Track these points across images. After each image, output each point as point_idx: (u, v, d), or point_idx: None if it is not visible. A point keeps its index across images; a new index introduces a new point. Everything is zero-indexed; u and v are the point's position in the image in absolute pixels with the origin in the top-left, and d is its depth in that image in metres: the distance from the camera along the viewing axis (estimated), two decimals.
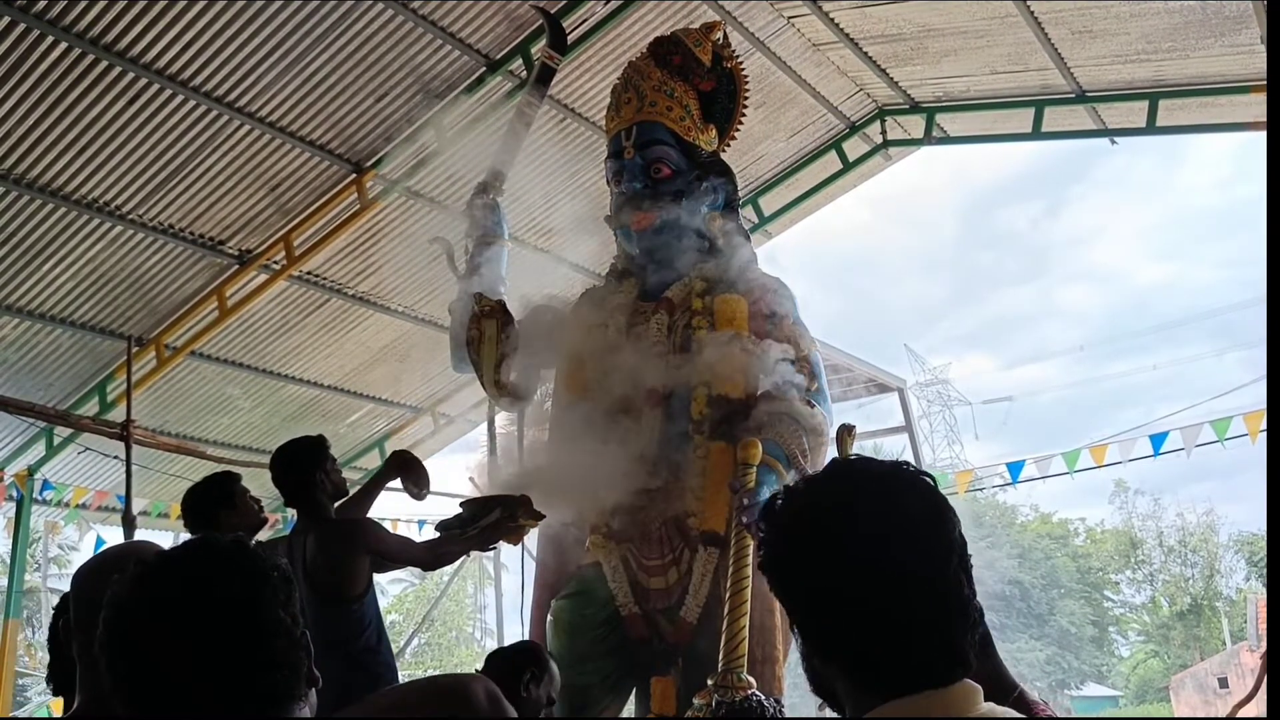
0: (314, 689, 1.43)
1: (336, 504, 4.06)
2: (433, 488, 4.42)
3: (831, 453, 4.14)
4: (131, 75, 7.26)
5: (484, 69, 8.57)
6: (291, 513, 4.69)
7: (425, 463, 4.50)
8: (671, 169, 4.62)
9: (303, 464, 4.07)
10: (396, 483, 4.47)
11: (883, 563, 1.19)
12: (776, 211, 11.63)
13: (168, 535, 11.64)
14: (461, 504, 4.12)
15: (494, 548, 4.46)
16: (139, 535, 7.93)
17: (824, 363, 4.54)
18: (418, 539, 5.52)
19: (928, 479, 1.28)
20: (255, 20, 7.25)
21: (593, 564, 4.29)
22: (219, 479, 4.20)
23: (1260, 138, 9.29)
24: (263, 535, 4.50)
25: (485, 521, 4.05)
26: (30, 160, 7.53)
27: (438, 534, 4.15)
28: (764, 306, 4.43)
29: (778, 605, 4.17)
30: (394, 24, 7.80)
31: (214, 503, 4.05)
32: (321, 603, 3.65)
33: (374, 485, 4.48)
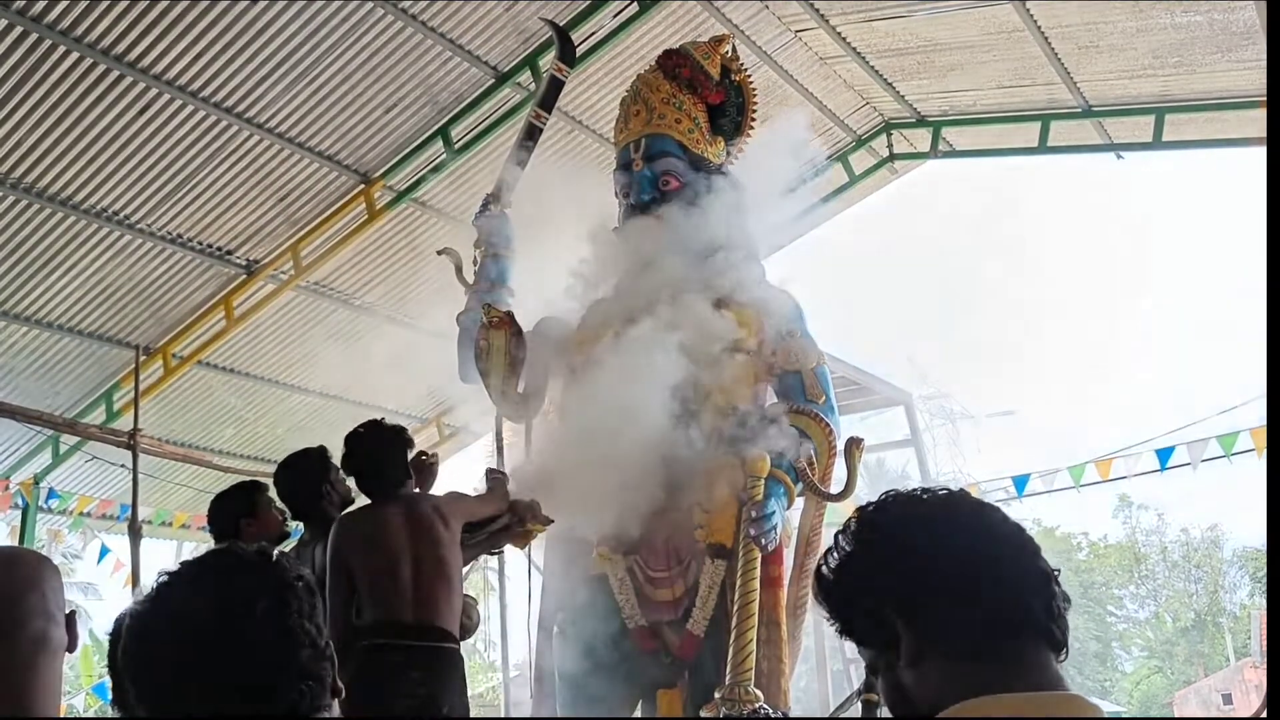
0: (337, 699, 1.42)
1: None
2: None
3: (839, 465, 4.15)
4: (142, 85, 7.29)
5: (493, 81, 8.60)
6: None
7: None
8: (680, 181, 4.64)
9: (310, 476, 4.07)
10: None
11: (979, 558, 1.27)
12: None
13: (171, 544, 11.66)
14: None
15: (499, 552, 4.47)
16: (144, 544, 7.93)
17: (830, 375, 4.55)
18: None
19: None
20: (265, 32, 7.29)
21: (599, 575, 4.28)
22: (244, 487, 4.20)
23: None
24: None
25: (494, 526, 4.06)
26: (40, 169, 7.56)
27: None
28: (772, 319, 4.43)
29: (784, 619, 4.18)
30: (403, 36, 7.83)
31: (237, 511, 4.04)
32: None
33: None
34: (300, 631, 1.37)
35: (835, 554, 1.34)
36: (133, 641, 1.39)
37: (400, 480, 3.84)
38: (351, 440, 3.89)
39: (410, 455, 4.00)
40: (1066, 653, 1.26)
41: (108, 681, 2.61)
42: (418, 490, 4.01)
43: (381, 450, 3.84)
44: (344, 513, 3.94)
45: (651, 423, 4.21)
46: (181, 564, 1.46)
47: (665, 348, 4.30)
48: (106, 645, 2.63)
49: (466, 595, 3.92)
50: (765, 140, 4.97)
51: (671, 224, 4.58)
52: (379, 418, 4.00)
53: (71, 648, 1.64)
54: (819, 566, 1.37)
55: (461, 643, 3.76)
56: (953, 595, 1.24)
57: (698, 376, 4.28)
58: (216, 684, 1.33)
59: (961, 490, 1.36)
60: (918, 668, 1.24)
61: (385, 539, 3.61)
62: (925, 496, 1.34)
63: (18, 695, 1.55)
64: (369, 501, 3.86)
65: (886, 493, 1.38)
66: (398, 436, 3.90)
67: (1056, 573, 1.29)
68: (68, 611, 1.64)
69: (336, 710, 1.42)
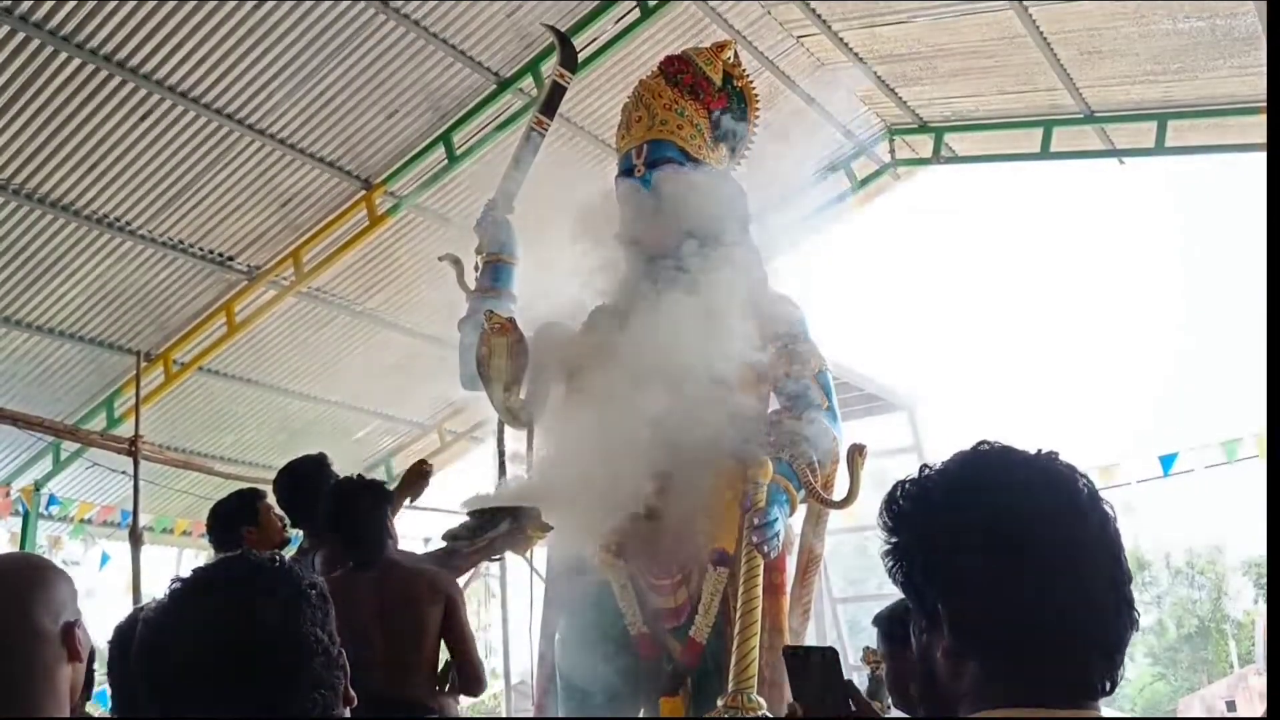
0: (350, 708, 1.42)
1: None
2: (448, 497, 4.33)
3: (842, 472, 4.13)
4: (144, 91, 7.29)
5: (495, 87, 8.61)
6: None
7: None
8: None
9: (310, 483, 4.05)
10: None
11: (1048, 554, 1.16)
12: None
13: (172, 551, 11.64)
14: (469, 513, 4.11)
15: (499, 558, 4.45)
16: (145, 551, 7.92)
17: (833, 381, 4.52)
18: (422, 552, 5.49)
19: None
20: (267, 37, 7.29)
21: (601, 582, 4.26)
22: (244, 495, 4.19)
23: None
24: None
25: (494, 533, 4.03)
26: (42, 175, 7.56)
27: (444, 544, 4.13)
28: (775, 325, 4.41)
29: (787, 626, 4.16)
30: (405, 41, 7.84)
31: (237, 519, 4.03)
32: None
33: (393, 503, 4.44)
34: (313, 639, 1.37)
35: (913, 488, 1.25)
36: (145, 648, 1.39)
37: (379, 543, 3.74)
38: (330, 500, 3.82)
39: (390, 515, 3.96)
40: (1113, 689, 1.17)
41: (108, 689, 2.60)
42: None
43: (358, 514, 3.75)
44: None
45: (653, 429, 4.19)
46: (194, 571, 1.47)
47: (668, 354, 4.28)
48: (107, 652, 2.62)
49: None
50: (768, 145, 4.95)
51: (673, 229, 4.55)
52: (357, 475, 3.94)
53: (74, 658, 1.61)
54: (895, 490, 1.27)
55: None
56: (1009, 618, 1.14)
57: (700, 382, 4.25)
58: (229, 692, 1.32)
59: (1069, 475, 1.22)
60: (952, 660, 1.18)
61: (357, 606, 3.54)
62: (1020, 477, 1.20)
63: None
64: (347, 563, 3.80)
65: (982, 444, 1.25)
66: (376, 496, 3.81)
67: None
68: (67, 621, 1.61)
69: (348, 714, 1.42)
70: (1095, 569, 1.17)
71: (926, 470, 1.26)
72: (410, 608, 3.60)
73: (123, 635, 2.45)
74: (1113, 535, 1.20)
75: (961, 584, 1.17)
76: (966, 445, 1.28)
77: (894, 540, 1.25)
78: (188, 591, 1.41)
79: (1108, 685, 1.17)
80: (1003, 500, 1.18)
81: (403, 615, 3.57)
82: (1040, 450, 1.25)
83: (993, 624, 1.16)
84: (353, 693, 1.42)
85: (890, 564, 1.26)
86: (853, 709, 1.23)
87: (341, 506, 3.79)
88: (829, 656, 1.28)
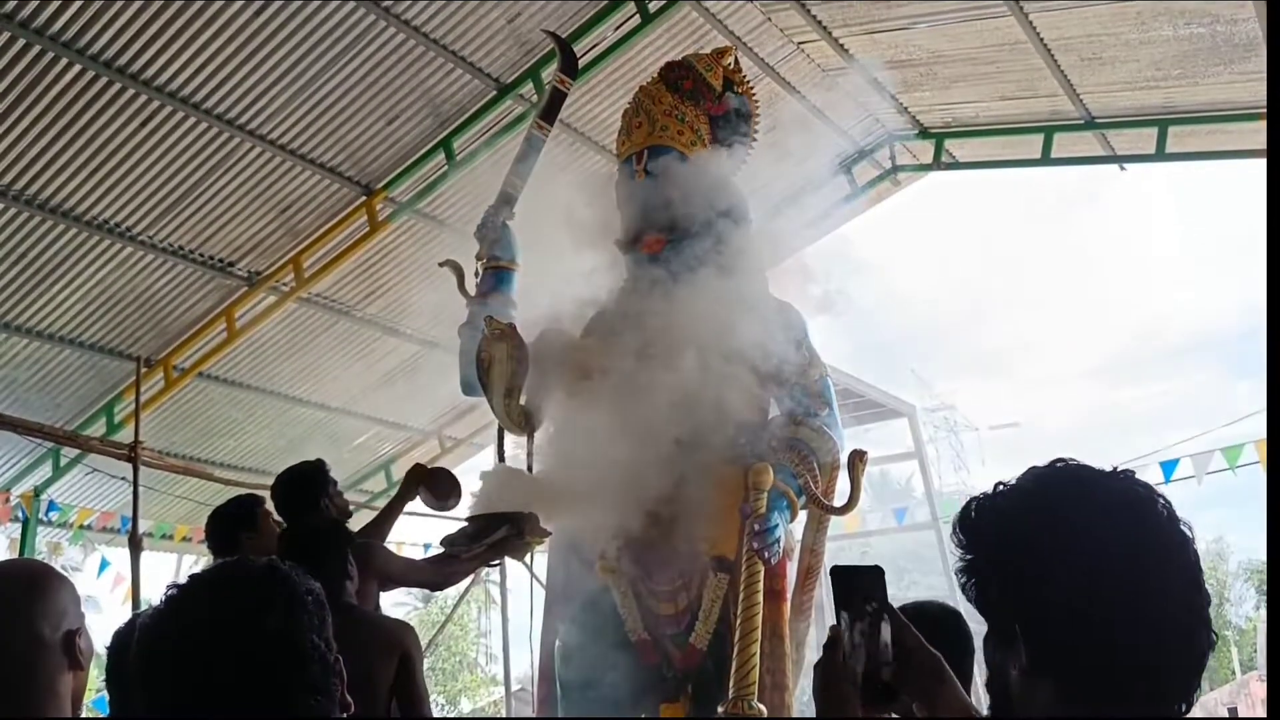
0: (347, 714, 1.42)
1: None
2: (461, 493, 4.30)
3: (843, 478, 4.12)
4: (144, 97, 7.30)
5: (495, 93, 8.61)
6: None
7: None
8: None
9: (308, 490, 4.04)
10: (413, 505, 4.43)
11: (1124, 573, 1.15)
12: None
13: (171, 557, 11.63)
14: (468, 519, 4.11)
15: (497, 563, 4.44)
16: (145, 557, 7.90)
17: (834, 387, 4.51)
18: (420, 557, 5.48)
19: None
20: (267, 43, 7.30)
21: (602, 588, 4.25)
22: (243, 501, 4.18)
23: None
24: None
25: (492, 538, 4.02)
26: (42, 181, 7.56)
27: (443, 550, 4.12)
28: (783, 330, 4.39)
29: (788, 632, 4.15)
30: (405, 47, 7.84)
31: (236, 524, 4.02)
32: None
33: (393, 507, 4.44)
34: (310, 645, 1.37)
35: (989, 505, 1.23)
36: (143, 653, 1.39)
37: (330, 587, 3.58)
38: (281, 541, 3.70)
39: (332, 494, 3.90)
40: (1189, 710, 1.16)
41: (106, 695, 2.59)
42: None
43: (296, 496, 3.63)
44: None
45: (655, 435, 4.18)
46: (191, 576, 1.47)
47: (670, 359, 4.27)
48: (105, 658, 2.61)
49: None
50: (768, 151, 4.94)
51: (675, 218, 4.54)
52: (320, 516, 3.87)
53: (75, 666, 1.62)
54: (969, 506, 1.25)
55: None
56: (1086, 637, 1.13)
57: (702, 389, 4.24)
58: (226, 697, 1.32)
59: (1147, 496, 1.21)
60: (1027, 679, 1.17)
61: None
62: (1098, 497, 1.19)
63: None
64: None
65: (1057, 462, 1.23)
66: (327, 535, 3.65)
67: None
68: (68, 629, 1.61)
69: None
70: (1174, 590, 1.16)
71: (1001, 487, 1.25)
72: (360, 662, 3.41)
73: (121, 641, 2.45)
74: (1191, 557, 1.20)
75: (1039, 603, 1.16)
76: (1042, 462, 1.26)
77: (969, 558, 1.24)
78: (186, 597, 1.41)
79: (1183, 706, 1.16)
80: (1081, 520, 1.17)
81: (350, 670, 3.36)
82: (1116, 469, 1.25)
83: (1070, 643, 1.14)
84: (349, 699, 1.42)
85: (964, 580, 1.25)
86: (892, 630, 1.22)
87: (279, 497, 3.74)
88: (875, 573, 1.28)
